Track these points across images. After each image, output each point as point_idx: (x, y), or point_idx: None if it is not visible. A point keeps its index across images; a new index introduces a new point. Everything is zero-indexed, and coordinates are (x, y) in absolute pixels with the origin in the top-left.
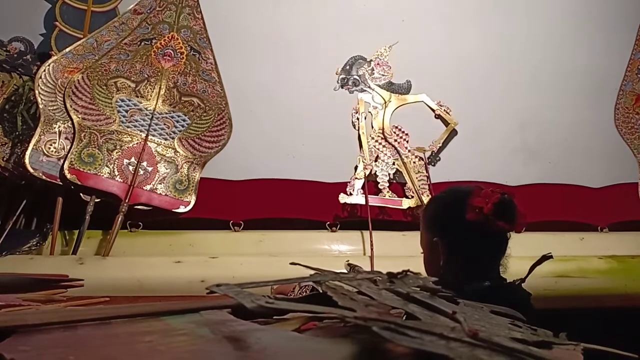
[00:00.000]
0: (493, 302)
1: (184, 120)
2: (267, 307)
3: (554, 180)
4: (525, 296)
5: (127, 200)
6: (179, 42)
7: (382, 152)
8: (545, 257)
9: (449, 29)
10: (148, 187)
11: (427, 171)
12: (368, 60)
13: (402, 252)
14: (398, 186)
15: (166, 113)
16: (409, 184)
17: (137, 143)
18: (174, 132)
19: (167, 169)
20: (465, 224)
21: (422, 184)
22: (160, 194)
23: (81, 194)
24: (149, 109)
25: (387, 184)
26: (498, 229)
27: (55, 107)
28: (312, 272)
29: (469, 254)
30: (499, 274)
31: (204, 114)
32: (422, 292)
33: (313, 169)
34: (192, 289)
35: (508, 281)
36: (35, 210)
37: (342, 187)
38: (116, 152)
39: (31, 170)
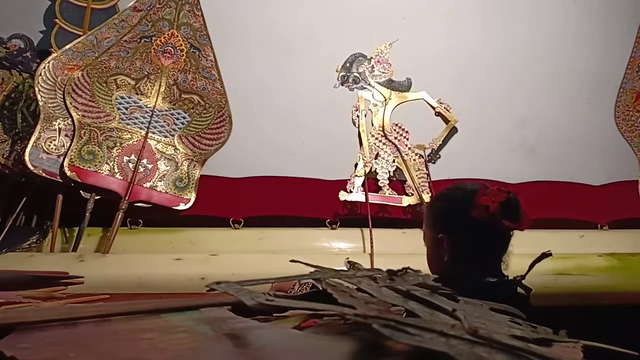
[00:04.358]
0: (494, 298)
1: (184, 118)
2: (267, 304)
3: (554, 178)
4: (526, 292)
5: (127, 198)
6: (179, 40)
7: (382, 149)
8: (545, 255)
9: (450, 26)
10: (148, 184)
11: (427, 169)
12: (368, 57)
13: (402, 250)
14: (398, 184)
15: (166, 110)
16: (409, 181)
17: (137, 140)
18: (174, 130)
19: (167, 167)
20: (471, 222)
21: (422, 181)
22: (160, 191)
23: (81, 192)
24: (149, 106)
25: (387, 182)
26: (504, 227)
27: (55, 105)
28: (312, 269)
29: (474, 251)
30: (500, 271)
31: (204, 112)
32: (422, 290)
33: (313, 166)
34: (192, 287)
35: (509, 278)
36: (35, 207)
37: (342, 184)
38: (116, 150)
39: (31, 168)
